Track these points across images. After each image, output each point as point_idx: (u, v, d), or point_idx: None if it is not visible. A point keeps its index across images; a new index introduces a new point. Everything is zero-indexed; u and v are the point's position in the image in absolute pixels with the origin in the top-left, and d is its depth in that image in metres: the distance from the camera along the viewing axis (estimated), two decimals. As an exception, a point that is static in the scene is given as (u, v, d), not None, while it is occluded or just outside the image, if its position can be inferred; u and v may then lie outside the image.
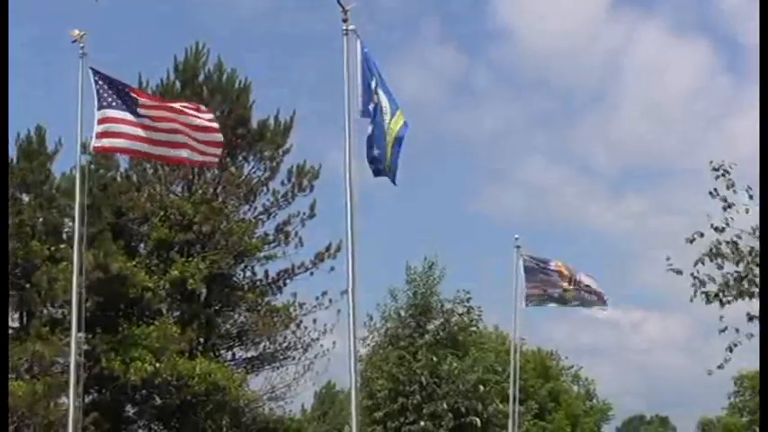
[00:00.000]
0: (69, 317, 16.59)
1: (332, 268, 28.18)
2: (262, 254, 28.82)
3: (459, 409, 29.51)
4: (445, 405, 29.30)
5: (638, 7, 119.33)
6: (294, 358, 28.95)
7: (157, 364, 24.75)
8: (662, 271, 16.08)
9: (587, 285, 25.65)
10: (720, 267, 15.80)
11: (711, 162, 15.84)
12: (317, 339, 28.66)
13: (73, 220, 17.64)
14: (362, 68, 12.85)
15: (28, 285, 24.53)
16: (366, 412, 28.61)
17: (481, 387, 30.07)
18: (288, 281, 29.05)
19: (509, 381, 26.74)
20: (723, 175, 15.68)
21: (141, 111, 15.01)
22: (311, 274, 28.83)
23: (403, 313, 31.24)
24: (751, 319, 15.42)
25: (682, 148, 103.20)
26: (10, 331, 24.20)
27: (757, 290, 15.38)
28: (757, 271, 15.42)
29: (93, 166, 24.34)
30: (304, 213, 28.79)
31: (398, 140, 13.23)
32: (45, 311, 24.97)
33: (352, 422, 13.15)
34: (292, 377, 28.88)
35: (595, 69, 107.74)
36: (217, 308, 28.42)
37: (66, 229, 24.85)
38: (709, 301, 15.82)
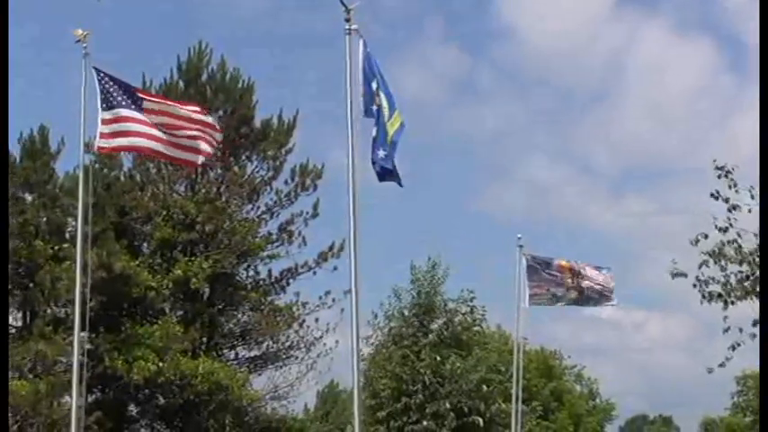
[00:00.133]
0: (72, 316, 16.53)
1: (335, 267, 28.21)
2: (265, 253, 28.81)
3: (462, 409, 29.53)
4: (448, 404, 29.32)
5: (641, 6, 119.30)
6: (297, 357, 28.95)
7: (160, 364, 24.74)
8: (663, 271, 16.07)
9: (594, 281, 25.44)
10: (724, 269, 15.77)
11: (715, 161, 15.84)
12: (320, 339, 28.66)
13: (76, 219, 17.66)
14: (364, 70, 12.81)
15: (31, 284, 24.54)
16: (369, 412, 28.62)
17: (484, 386, 30.10)
18: (291, 280, 29.05)
19: (512, 380, 26.74)
20: (726, 175, 15.65)
21: (146, 109, 15.01)
22: (314, 273, 28.85)
23: (406, 312, 31.26)
24: (756, 323, 15.35)
25: (684, 147, 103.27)
26: (13, 330, 24.26)
27: (760, 289, 15.34)
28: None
29: (96, 166, 24.33)
30: (307, 213, 28.82)
31: (394, 144, 13.10)
32: (48, 311, 24.93)
33: (354, 421, 13.16)
34: (295, 376, 28.88)
35: (598, 69, 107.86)
36: (220, 307, 28.42)
37: (69, 229, 24.86)
38: (710, 301, 15.78)
